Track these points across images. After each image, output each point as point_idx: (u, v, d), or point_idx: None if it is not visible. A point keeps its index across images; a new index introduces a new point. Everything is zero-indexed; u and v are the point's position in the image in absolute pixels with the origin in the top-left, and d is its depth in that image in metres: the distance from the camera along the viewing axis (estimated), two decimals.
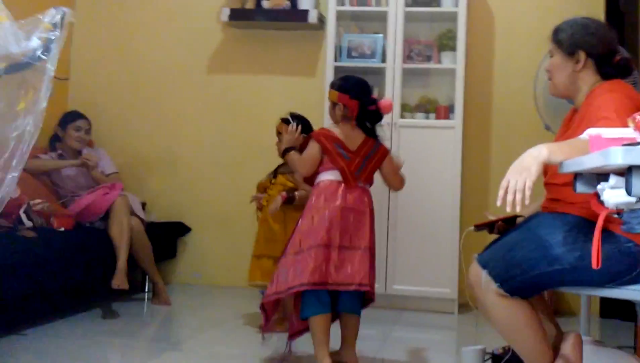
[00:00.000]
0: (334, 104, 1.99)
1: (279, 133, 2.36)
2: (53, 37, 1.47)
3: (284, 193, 2.32)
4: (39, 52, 1.45)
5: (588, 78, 1.59)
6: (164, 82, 3.40)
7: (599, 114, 1.44)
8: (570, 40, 1.59)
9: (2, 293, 2.08)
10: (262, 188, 2.50)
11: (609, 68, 1.59)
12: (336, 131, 1.98)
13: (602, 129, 1.24)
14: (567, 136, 1.55)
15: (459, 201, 2.87)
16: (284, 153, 2.08)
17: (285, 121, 2.27)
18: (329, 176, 1.95)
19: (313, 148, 1.96)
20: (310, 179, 2.02)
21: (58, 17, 1.49)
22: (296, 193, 2.33)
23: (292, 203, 2.31)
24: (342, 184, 1.94)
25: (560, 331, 1.63)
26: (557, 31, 1.63)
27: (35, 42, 1.44)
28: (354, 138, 1.98)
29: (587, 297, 2.13)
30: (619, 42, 1.67)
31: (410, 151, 2.91)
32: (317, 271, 1.82)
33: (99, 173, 2.92)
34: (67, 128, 2.93)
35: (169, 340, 2.44)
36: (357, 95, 1.97)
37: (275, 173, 2.50)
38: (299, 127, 2.11)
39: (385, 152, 2.03)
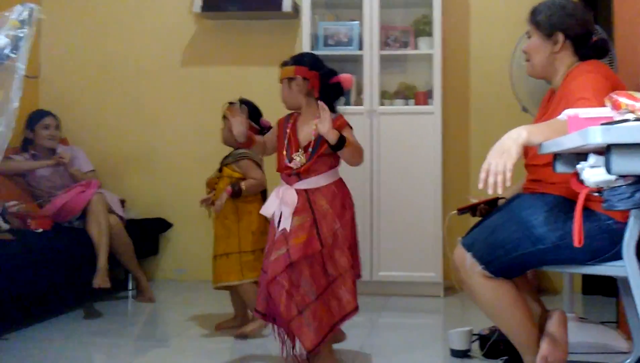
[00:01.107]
0: (289, 81, 1.81)
1: (224, 118, 2.17)
2: (22, 35, 1.42)
3: (228, 188, 2.14)
4: (7, 51, 1.40)
5: (566, 59, 1.61)
6: (138, 77, 3.33)
7: (576, 95, 1.46)
8: (549, 21, 1.60)
9: None
10: (212, 185, 2.33)
11: (586, 49, 1.61)
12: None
13: (580, 110, 1.26)
14: (546, 117, 1.57)
15: (441, 186, 2.90)
16: (339, 143, 1.71)
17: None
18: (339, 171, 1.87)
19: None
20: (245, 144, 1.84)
21: (25, 14, 1.44)
22: (242, 183, 2.16)
23: (240, 196, 2.14)
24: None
25: (544, 309, 1.66)
26: (534, 12, 1.64)
27: (3, 40, 1.39)
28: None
29: (569, 275, 2.19)
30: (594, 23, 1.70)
31: (390, 138, 2.93)
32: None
33: (76, 170, 2.85)
34: (35, 128, 2.85)
35: (155, 337, 2.42)
36: (315, 66, 1.82)
37: (220, 167, 2.30)
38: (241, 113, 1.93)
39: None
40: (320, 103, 1.71)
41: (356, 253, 1.85)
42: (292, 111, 1.89)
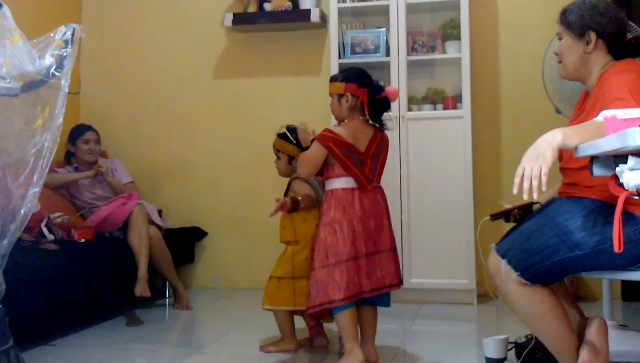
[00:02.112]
0: (339, 97, 1.92)
1: (277, 151, 2.19)
2: (65, 54, 1.50)
3: (281, 205, 2.06)
4: (52, 69, 1.48)
5: (599, 59, 1.58)
6: (172, 90, 3.43)
7: (612, 95, 1.43)
8: (580, 21, 1.57)
9: (30, 305, 2.12)
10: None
11: (620, 48, 1.57)
12: (343, 132, 1.89)
13: (617, 110, 1.23)
14: (581, 119, 1.54)
15: (472, 191, 2.86)
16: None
17: (282, 137, 2.17)
18: (342, 183, 1.89)
19: (319, 152, 1.88)
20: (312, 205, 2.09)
21: (69, 34, 1.52)
22: (297, 198, 2.12)
23: (297, 210, 2.10)
24: (357, 191, 1.89)
25: (583, 316, 1.62)
26: (565, 13, 1.62)
27: (48, 60, 1.47)
28: (362, 135, 1.91)
29: (608, 281, 2.12)
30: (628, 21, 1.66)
31: (419, 144, 2.92)
32: (351, 285, 1.83)
33: (113, 179, 2.95)
34: (76, 143, 2.97)
35: (192, 344, 2.47)
36: (364, 83, 1.92)
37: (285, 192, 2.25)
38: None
39: (388, 141, 1.99)
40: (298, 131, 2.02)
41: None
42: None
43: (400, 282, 1.97)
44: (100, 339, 2.38)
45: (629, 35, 1.63)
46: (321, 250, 1.87)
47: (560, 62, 1.65)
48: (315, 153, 1.89)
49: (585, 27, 1.57)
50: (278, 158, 2.21)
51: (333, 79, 1.96)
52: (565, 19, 1.61)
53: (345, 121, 1.93)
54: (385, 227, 1.93)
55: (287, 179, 2.24)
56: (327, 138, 1.89)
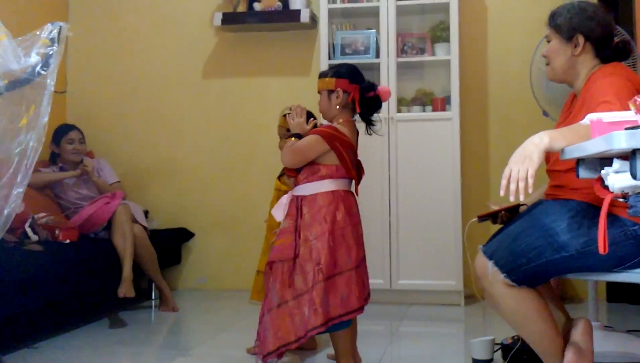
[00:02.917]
0: (329, 93, 1.79)
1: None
2: (51, 52, 1.48)
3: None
4: (38, 68, 1.46)
5: (587, 62, 1.60)
6: (161, 90, 3.40)
7: (599, 98, 1.44)
8: (569, 24, 1.59)
9: (13, 308, 2.09)
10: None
11: (607, 51, 1.59)
12: (347, 133, 1.78)
13: (603, 114, 1.24)
14: (568, 121, 1.56)
15: (460, 192, 2.88)
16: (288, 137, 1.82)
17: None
18: (341, 185, 1.77)
19: (314, 145, 1.73)
20: (292, 171, 1.82)
21: (55, 32, 1.50)
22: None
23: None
24: (351, 195, 1.80)
25: (569, 318, 1.64)
26: (554, 15, 1.63)
27: (34, 58, 1.45)
28: (354, 137, 1.84)
29: (594, 282, 2.14)
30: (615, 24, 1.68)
31: (408, 145, 2.93)
32: (362, 294, 1.74)
33: (99, 179, 2.92)
34: (60, 143, 2.94)
35: (178, 346, 2.45)
36: (356, 79, 1.80)
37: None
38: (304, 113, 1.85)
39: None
40: (297, 105, 1.83)
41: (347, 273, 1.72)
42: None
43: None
44: (85, 341, 2.34)
45: (617, 39, 1.65)
46: (329, 258, 1.69)
47: (548, 64, 1.67)
48: (308, 145, 1.74)
49: (573, 30, 1.59)
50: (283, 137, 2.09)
51: (322, 75, 1.84)
52: (554, 21, 1.63)
53: (339, 120, 1.80)
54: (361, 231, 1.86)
55: (275, 174, 2.21)
56: (333, 136, 1.75)
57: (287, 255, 1.71)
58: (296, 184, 1.81)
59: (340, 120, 1.81)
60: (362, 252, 1.81)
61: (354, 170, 1.81)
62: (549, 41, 1.66)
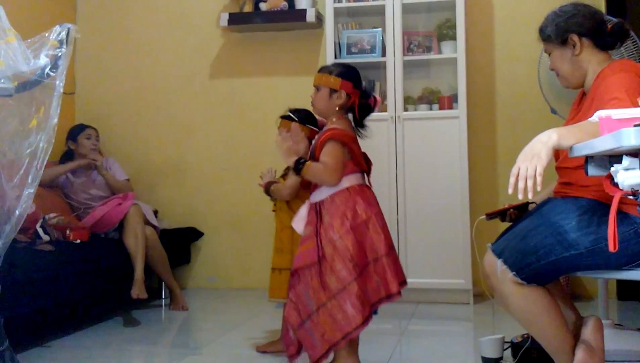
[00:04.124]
0: (331, 91, 1.78)
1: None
2: (60, 54, 1.49)
3: (263, 182, 2.07)
4: (47, 70, 1.48)
5: (591, 57, 1.60)
6: (168, 90, 3.43)
7: (608, 95, 1.44)
8: (557, 30, 1.60)
9: (25, 307, 2.11)
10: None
11: (605, 38, 1.59)
12: (349, 128, 1.80)
13: (612, 111, 1.23)
14: (578, 119, 1.55)
15: (468, 190, 2.87)
16: (297, 167, 1.75)
17: (286, 118, 2.04)
18: (354, 180, 1.77)
19: (342, 152, 1.73)
20: (307, 182, 1.84)
21: (63, 34, 1.52)
22: (274, 185, 2.07)
23: (268, 194, 2.07)
24: (365, 187, 1.79)
25: (579, 316, 1.63)
26: (542, 30, 1.66)
27: (43, 60, 1.47)
28: (351, 130, 1.84)
29: (604, 280, 2.13)
30: (606, 14, 1.67)
31: (415, 143, 2.92)
32: (396, 279, 1.72)
33: (108, 173, 2.94)
34: (78, 139, 2.97)
35: (188, 345, 2.47)
36: (358, 85, 1.81)
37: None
38: (298, 126, 1.87)
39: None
40: (294, 125, 1.82)
41: (381, 261, 1.72)
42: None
43: (404, 279, 1.83)
44: (96, 340, 2.37)
45: (610, 25, 1.63)
46: (360, 252, 1.69)
47: (558, 75, 1.66)
48: (340, 154, 1.73)
49: (564, 32, 1.60)
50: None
51: (325, 70, 1.82)
52: (544, 34, 1.65)
53: (332, 118, 1.80)
54: (385, 223, 1.82)
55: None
56: (344, 136, 1.75)
57: (310, 259, 1.70)
58: (311, 192, 1.81)
59: (334, 118, 1.81)
60: (390, 239, 1.79)
61: (363, 162, 1.82)
62: (550, 54, 1.66)
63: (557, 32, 1.59)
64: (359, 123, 1.85)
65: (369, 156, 1.88)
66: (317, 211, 1.76)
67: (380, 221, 1.77)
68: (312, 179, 1.77)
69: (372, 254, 1.72)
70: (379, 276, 1.71)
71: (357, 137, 1.85)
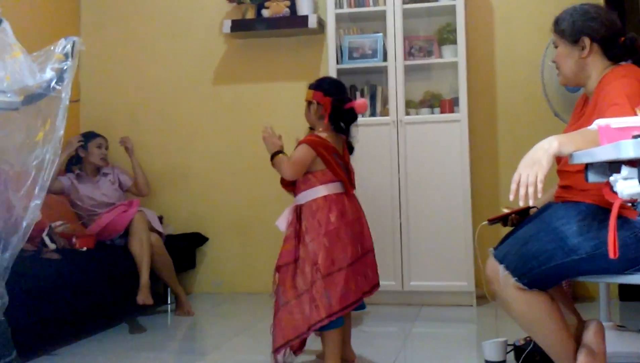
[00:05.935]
0: (309, 104, 1.97)
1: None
2: (65, 67, 1.52)
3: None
4: (53, 83, 1.50)
5: (596, 63, 1.60)
6: (172, 97, 3.45)
7: (609, 101, 1.44)
8: (573, 28, 1.59)
9: (32, 315, 2.13)
10: None
11: (615, 50, 1.59)
12: (328, 137, 1.94)
13: (612, 119, 1.24)
14: (580, 124, 1.55)
15: (470, 194, 2.88)
16: (272, 156, 1.95)
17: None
18: (332, 188, 1.91)
19: (307, 154, 1.89)
20: (288, 184, 1.96)
21: (69, 47, 1.54)
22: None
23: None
24: (344, 196, 1.93)
25: (581, 320, 1.64)
26: (557, 21, 1.64)
27: (49, 74, 1.49)
28: (338, 142, 1.98)
29: (605, 283, 2.14)
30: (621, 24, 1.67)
31: (417, 147, 2.94)
32: (358, 290, 1.86)
33: (136, 159, 3.06)
34: (88, 147, 3.00)
35: (195, 350, 2.48)
36: (330, 92, 1.95)
37: None
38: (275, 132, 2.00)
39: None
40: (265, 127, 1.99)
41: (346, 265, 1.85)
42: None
43: (378, 283, 2.00)
44: (103, 347, 2.39)
45: (623, 38, 1.64)
46: (326, 257, 1.84)
47: (558, 69, 1.67)
48: (303, 155, 1.90)
49: (578, 33, 1.59)
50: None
51: (308, 87, 2.01)
52: (558, 27, 1.63)
53: (319, 128, 1.97)
54: (365, 228, 1.99)
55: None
56: (317, 143, 1.91)
57: (289, 258, 1.87)
58: (296, 194, 1.96)
59: (320, 128, 1.95)
60: (358, 249, 1.91)
61: (341, 172, 1.93)
62: (556, 47, 1.66)
63: (571, 31, 1.59)
64: (340, 129, 1.97)
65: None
66: (298, 214, 1.92)
67: (350, 231, 1.89)
68: (275, 167, 1.95)
69: (339, 264, 1.85)
70: (343, 287, 1.83)
71: (348, 145, 1.98)
